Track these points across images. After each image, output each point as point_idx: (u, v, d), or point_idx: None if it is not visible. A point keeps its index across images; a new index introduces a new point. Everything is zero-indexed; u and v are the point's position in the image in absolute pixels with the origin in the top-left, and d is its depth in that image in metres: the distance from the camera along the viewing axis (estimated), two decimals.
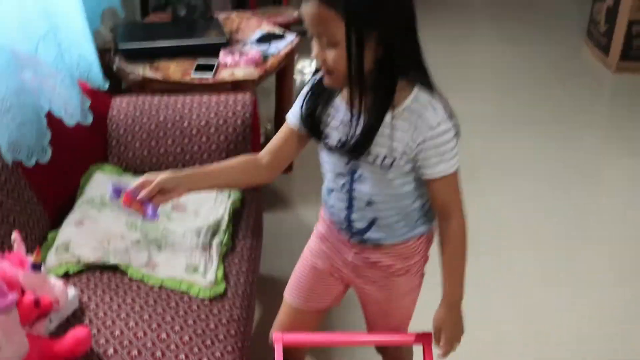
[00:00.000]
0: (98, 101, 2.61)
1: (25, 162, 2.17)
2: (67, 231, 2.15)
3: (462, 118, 1.52)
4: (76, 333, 1.78)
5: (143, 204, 1.60)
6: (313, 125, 1.59)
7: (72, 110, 2.43)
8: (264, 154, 1.70)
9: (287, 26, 4.01)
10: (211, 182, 1.70)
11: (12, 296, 1.43)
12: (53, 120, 2.33)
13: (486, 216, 3.25)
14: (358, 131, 1.48)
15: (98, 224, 2.18)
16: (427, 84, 1.48)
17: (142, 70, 2.97)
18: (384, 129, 1.47)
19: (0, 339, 1.41)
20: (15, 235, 1.82)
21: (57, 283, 1.85)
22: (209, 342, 1.89)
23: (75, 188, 2.41)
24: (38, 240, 2.15)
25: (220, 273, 2.11)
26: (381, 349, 2.05)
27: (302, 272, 1.90)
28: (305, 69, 4.64)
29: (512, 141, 3.99)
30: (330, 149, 1.58)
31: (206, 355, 1.85)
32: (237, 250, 2.27)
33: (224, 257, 2.22)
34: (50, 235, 2.18)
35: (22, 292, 1.69)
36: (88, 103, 2.53)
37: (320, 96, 1.56)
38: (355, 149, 1.50)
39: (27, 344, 1.48)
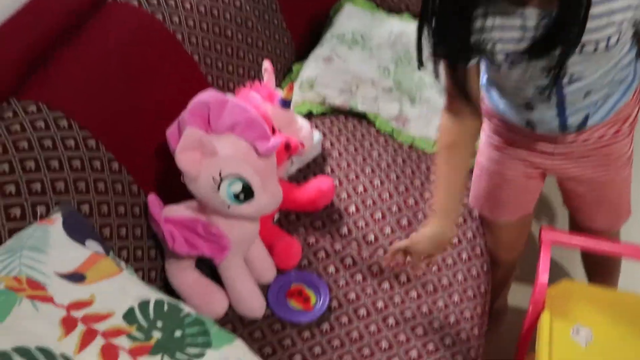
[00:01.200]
0: None
1: None
2: (314, 67, 1.94)
3: None
4: (320, 184, 1.61)
5: None
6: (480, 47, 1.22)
7: None
8: (460, 106, 1.32)
9: None
10: (457, 200, 1.38)
11: (276, 140, 1.25)
12: None
13: None
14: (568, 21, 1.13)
15: (348, 64, 1.95)
16: None
17: None
18: (598, 8, 1.13)
19: (258, 187, 1.24)
20: (267, 65, 1.63)
21: (304, 124, 1.66)
22: (460, 218, 1.66)
23: (324, 19, 2.18)
24: (282, 71, 1.97)
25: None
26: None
27: (494, 189, 1.61)
28: None
29: None
30: (517, 61, 1.25)
31: (457, 233, 1.63)
32: None
33: None
34: (295, 68, 1.99)
35: (273, 131, 1.52)
36: None
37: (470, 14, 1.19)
38: (568, 41, 1.16)
39: (281, 192, 1.32)
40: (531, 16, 1.17)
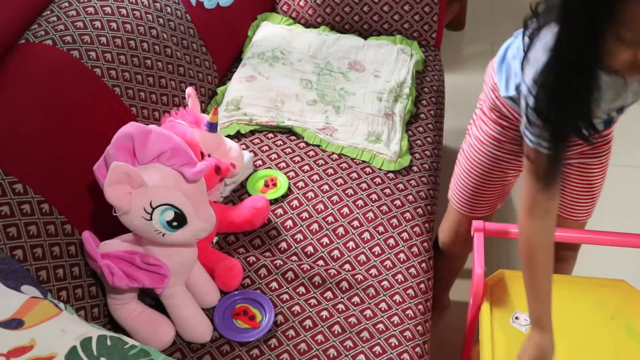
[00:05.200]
0: None
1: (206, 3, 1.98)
2: (238, 87, 1.96)
3: None
4: (255, 202, 1.63)
5: None
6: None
7: None
8: (546, 206, 1.31)
9: None
10: (549, 307, 1.38)
11: (202, 165, 1.26)
12: None
13: None
14: None
15: (270, 80, 1.98)
16: None
17: None
18: None
19: (190, 212, 1.26)
20: (189, 91, 1.64)
21: (233, 145, 1.68)
22: (395, 221, 1.70)
23: (244, 39, 2.20)
24: (207, 95, 1.98)
25: (405, 144, 1.88)
26: None
27: (483, 184, 1.63)
28: None
29: None
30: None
31: (393, 236, 1.67)
32: (420, 118, 2.03)
33: (407, 126, 1.98)
34: (220, 90, 2.00)
35: (202, 156, 1.53)
36: None
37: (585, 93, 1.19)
38: None
39: (214, 215, 1.33)
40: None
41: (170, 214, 1.27)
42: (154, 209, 1.26)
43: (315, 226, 1.66)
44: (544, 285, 1.34)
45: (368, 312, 1.52)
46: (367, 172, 1.80)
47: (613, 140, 1.57)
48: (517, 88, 1.38)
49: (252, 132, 1.90)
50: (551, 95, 1.17)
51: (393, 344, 1.47)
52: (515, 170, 1.61)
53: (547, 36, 1.16)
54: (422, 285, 1.61)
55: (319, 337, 1.46)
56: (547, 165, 1.24)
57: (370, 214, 1.70)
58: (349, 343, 1.46)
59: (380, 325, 1.50)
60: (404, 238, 1.67)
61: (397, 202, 1.74)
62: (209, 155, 1.58)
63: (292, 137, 1.88)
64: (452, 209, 1.75)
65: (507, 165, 1.59)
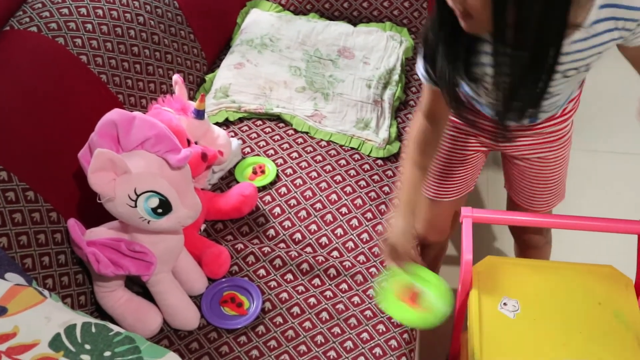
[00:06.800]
0: None
1: None
2: (226, 74, 1.95)
3: None
4: (242, 190, 1.63)
5: None
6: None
7: None
8: (429, 120, 1.41)
9: None
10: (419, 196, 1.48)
11: (186, 151, 1.25)
12: None
13: None
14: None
15: (259, 68, 1.97)
16: None
17: None
18: (587, 42, 1.19)
19: (175, 199, 1.25)
20: (176, 78, 1.63)
21: (220, 132, 1.67)
22: (383, 208, 1.70)
23: (233, 26, 2.19)
24: (195, 83, 1.97)
25: (394, 130, 1.88)
26: (516, 231, 1.84)
27: (446, 166, 1.63)
28: None
29: None
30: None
31: (381, 222, 1.67)
32: (410, 105, 2.02)
33: (396, 113, 1.98)
34: (208, 78, 1.99)
35: (188, 143, 1.53)
36: None
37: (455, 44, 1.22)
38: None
39: (200, 202, 1.33)
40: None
41: (154, 201, 1.26)
42: (138, 195, 1.25)
43: (303, 213, 1.66)
44: (419, 175, 1.42)
45: (356, 299, 1.52)
46: (356, 158, 1.79)
47: (571, 135, 1.57)
48: None
49: (241, 120, 1.89)
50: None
51: (381, 331, 1.47)
52: (474, 150, 1.60)
53: None
54: None
55: (307, 323, 1.46)
56: None
57: (359, 201, 1.69)
58: (336, 329, 1.46)
59: (368, 312, 1.50)
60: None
61: (386, 189, 1.74)
62: (195, 143, 1.58)
63: (281, 124, 1.87)
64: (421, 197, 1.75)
65: (465, 145, 1.59)
